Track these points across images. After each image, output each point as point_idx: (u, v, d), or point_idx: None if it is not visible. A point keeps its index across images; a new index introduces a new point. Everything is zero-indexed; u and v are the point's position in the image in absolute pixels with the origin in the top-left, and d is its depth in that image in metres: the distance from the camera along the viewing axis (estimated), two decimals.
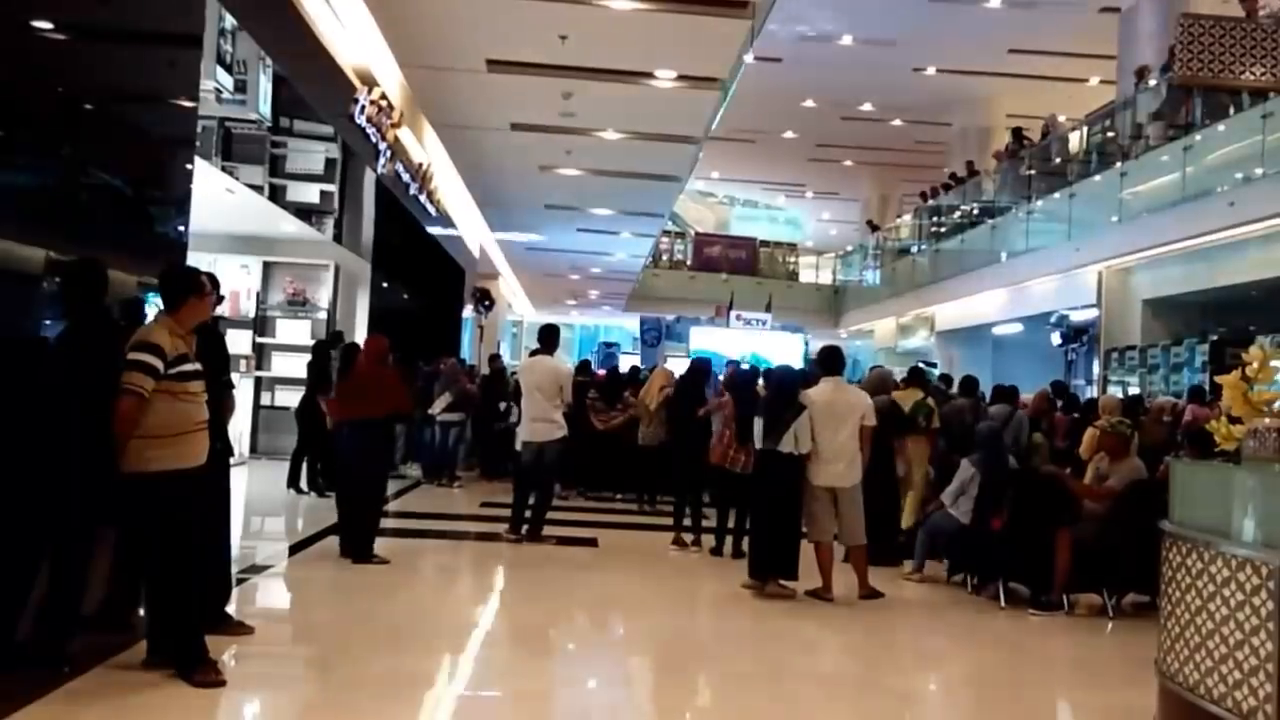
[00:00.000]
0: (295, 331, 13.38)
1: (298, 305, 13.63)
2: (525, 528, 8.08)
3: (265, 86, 10.64)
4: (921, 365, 11.47)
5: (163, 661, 4.20)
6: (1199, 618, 3.06)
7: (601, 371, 14.05)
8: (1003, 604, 6.73)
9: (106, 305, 4.47)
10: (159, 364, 4.08)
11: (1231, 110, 12.45)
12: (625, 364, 17.07)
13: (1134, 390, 13.47)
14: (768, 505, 6.75)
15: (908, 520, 8.25)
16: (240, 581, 5.97)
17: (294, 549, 7.65)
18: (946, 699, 5.02)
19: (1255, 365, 3.67)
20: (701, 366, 9.49)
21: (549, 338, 8.53)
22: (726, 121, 14.68)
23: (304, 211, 12.38)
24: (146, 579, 4.32)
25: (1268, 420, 3.51)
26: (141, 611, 4.49)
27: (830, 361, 6.96)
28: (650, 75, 10.72)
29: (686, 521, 8.44)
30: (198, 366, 4.28)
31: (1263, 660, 2.74)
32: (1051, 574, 6.61)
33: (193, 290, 4.33)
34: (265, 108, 10.84)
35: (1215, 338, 13.10)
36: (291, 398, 12.23)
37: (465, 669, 5.11)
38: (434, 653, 5.14)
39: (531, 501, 8.17)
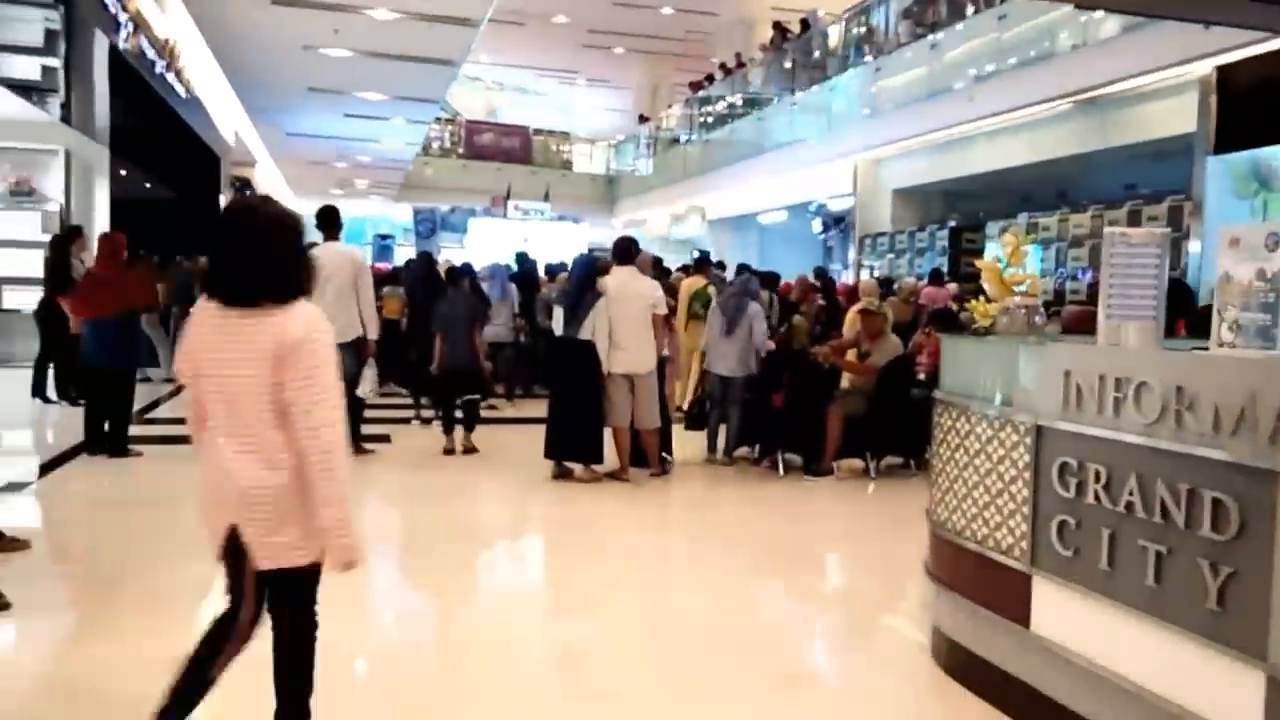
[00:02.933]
0: (21, 226, 11.94)
1: (22, 195, 12.14)
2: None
3: None
4: (699, 252, 11.93)
5: None
6: (965, 472, 3.50)
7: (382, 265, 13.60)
8: (781, 472, 7.36)
9: None
10: None
11: (970, 10, 13.47)
12: (401, 257, 16.55)
13: (881, 273, 14.65)
14: (566, 392, 6.91)
15: (681, 401, 8.75)
16: None
17: (51, 464, 7.02)
18: (732, 558, 5.41)
19: (1009, 250, 4.12)
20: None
21: (332, 221, 7.20)
22: (495, 3, 14.14)
23: (22, 89, 10.89)
24: None
25: (1018, 299, 3.99)
26: None
27: (624, 251, 7.14)
28: None
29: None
30: None
31: (1019, 504, 3.20)
32: (823, 444, 7.29)
33: None
34: None
35: (953, 224, 14.43)
36: (22, 299, 11.09)
37: None
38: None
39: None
